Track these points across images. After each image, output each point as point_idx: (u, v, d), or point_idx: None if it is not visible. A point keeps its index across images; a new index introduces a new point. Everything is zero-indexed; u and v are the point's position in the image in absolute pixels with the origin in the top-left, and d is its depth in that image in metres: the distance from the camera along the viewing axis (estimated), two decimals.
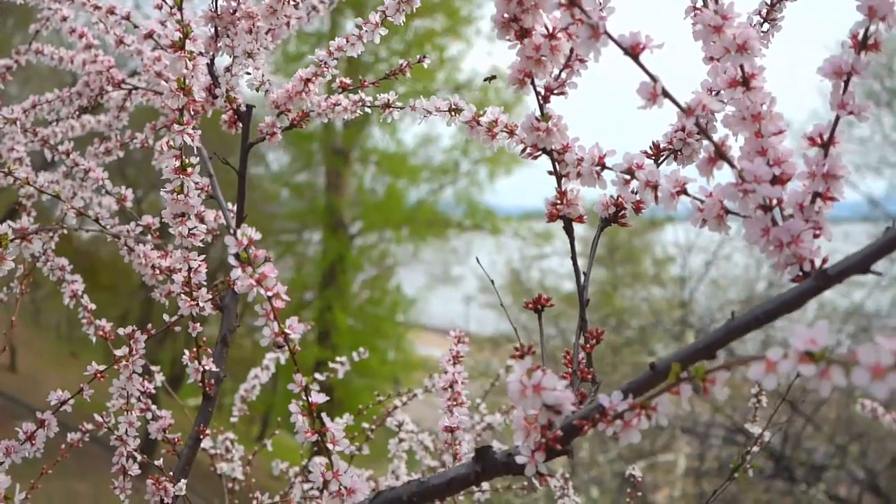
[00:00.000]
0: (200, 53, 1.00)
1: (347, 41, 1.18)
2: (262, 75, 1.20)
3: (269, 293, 0.66)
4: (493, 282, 1.11)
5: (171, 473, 1.08)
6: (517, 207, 11.15)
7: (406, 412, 1.84)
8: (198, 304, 1.04)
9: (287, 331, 0.69)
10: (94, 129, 1.58)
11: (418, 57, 1.23)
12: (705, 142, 0.69)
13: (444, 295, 11.54)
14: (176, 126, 0.96)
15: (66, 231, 1.26)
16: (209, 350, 1.10)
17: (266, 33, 1.18)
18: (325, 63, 1.19)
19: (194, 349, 1.08)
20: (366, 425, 1.73)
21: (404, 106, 1.17)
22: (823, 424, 6.61)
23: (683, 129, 0.84)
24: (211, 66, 1.19)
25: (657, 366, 0.62)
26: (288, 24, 1.19)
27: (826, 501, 5.97)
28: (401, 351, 10.59)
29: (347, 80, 1.22)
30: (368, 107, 1.22)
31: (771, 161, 0.65)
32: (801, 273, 0.64)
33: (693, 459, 7.35)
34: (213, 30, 1.15)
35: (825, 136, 0.65)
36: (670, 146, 0.86)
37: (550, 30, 0.74)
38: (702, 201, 0.69)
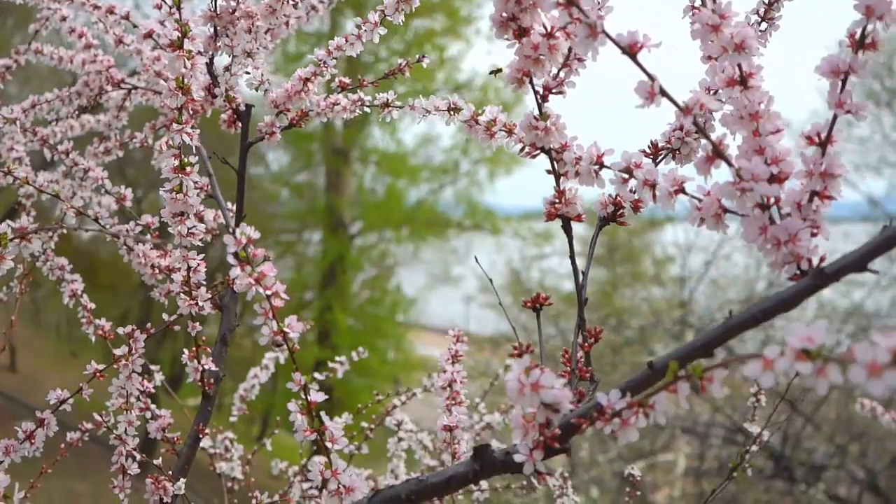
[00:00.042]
0: (199, 53, 1.00)
1: (347, 41, 1.18)
2: (262, 75, 1.20)
3: (268, 292, 0.66)
4: (492, 281, 1.11)
5: (170, 473, 1.09)
6: (517, 207, 11.16)
7: (405, 411, 1.84)
8: (197, 304, 1.04)
9: (286, 330, 0.69)
10: (93, 129, 1.58)
11: (417, 57, 1.23)
12: (703, 141, 0.70)
13: (444, 295, 11.54)
14: (175, 125, 0.97)
15: (65, 231, 1.26)
16: (208, 349, 1.10)
17: (265, 33, 1.18)
18: (325, 62, 1.19)
19: (194, 348, 1.08)
20: (365, 424, 1.74)
21: (403, 105, 1.18)
22: (823, 424, 6.61)
23: (681, 128, 0.84)
24: (210, 65, 1.19)
25: (655, 364, 0.62)
26: (287, 23, 1.20)
27: (826, 501, 5.98)
28: (401, 351, 10.59)
29: (347, 80, 1.23)
30: (368, 106, 1.23)
31: (769, 160, 0.66)
32: (798, 272, 0.64)
33: (693, 459, 7.35)
34: (212, 29, 1.15)
35: (823, 135, 0.65)
36: (668, 145, 0.86)
37: (549, 29, 0.74)
38: (700, 200, 0.69)
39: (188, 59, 0.96)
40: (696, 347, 0.62)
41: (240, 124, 1.23)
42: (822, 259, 0.63)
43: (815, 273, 0.61)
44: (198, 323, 1.06)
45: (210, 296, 1.07)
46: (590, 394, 0.78)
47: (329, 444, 0.71)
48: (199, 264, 1.03)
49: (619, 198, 0.84)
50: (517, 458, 0.64)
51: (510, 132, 0.93)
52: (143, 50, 1.37)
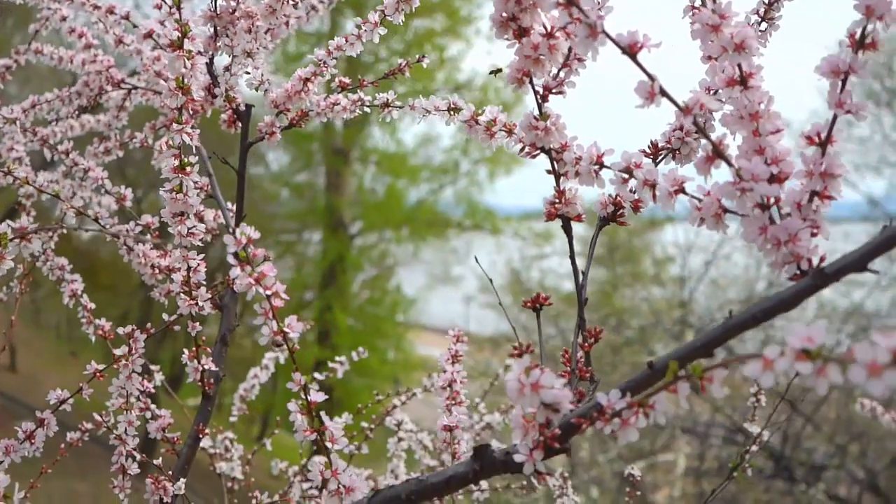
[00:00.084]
0: (199, 53, 1.00)
1: (347, 41, 1.19)
2: (262, 75, 1.20)
3: (268, 292, 0.66)
4: (492, 281, 1.11)
5: (170, 473, 1.09)
6: (517, 207, 11.15)
7: (405, 411, 1.84)
8: (197, 304, 1.04)
9: (286, 330, 0.69)
10: (93, 129, 1.58)
11: (417, 57, 1.23)
12: (703, 141, 0.70)
13: (444, 295, 11.54)
14: (175, 125, 0.97)
15: (65, 231, 1.26)
16: (208, 349, 1.10)
17: (265, 33, 1.18)
18: (325, 62, 1.19)
19: (193, 348, 1.08)
20: (365, 424, 1.74)
21: (403, 105, 1.18)
22: (823, 424, 6.61)
23: (681, 128, 0.84)
24: (210, 65, 1.19)
25: (655, 364, 0.62)
26: (287, 23, 1.20)
27: (826, 501, 5.98)
28: (401, 351, 10.58)
29: (347, 80, 1.23)
30: (368, 106, 1.23)
31: (769, 160, 0.66)
32: (798, 272, 0.64)
33: (693, 459, 7.35)
34: (212, 29, 1.15)
35: (823, 135, 0.65)
36: (668, 145, 0.86)
37: (549, 29, 0.74)
38: (700, 200, 0.69)
39: (188, 59, 0.96)
40: (696, 347, 0.62)
41: (240, 124, 1.23)
42: (822, 259, 0.63)
43: (815, 273, 0.61)
44: (198, 323, 1.06)
45: (210, 296, 1.07)
46: (590, 394, 0.78)
47: (329, 444, 0.71)
48: (199, 264, 1.03)
49: (619, 198, 0.84)
50: (517, 458, 0.64)
51: (510, 132, 0.93)
52: (143, 50, 1.37)
